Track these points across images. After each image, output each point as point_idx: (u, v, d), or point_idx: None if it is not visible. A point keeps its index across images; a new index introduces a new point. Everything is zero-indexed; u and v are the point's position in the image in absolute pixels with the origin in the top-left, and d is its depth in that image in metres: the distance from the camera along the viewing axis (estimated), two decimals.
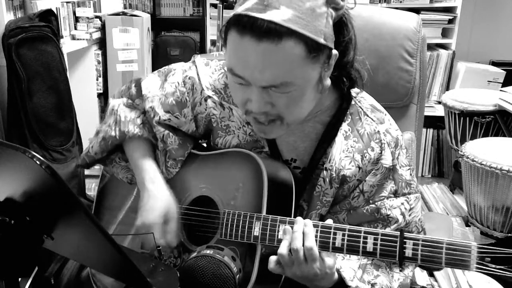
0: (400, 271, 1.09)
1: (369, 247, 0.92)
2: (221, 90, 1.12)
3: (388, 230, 0.94)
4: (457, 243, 0.88)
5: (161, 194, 1.09)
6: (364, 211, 1.07)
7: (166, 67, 1.20)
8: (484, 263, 0.85)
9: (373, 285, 1.03)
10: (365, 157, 1.06)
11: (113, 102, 1.19)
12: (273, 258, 0.96)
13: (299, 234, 0.95)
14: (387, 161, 1.07)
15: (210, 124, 1.15)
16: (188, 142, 1.16)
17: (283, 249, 0.95)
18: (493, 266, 0.84)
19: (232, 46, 0.92)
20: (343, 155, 1.07)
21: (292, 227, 0.97)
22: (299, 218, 0.98)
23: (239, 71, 0.93)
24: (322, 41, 0.91)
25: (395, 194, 1.08)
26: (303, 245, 0.94)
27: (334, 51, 0.95)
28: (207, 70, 1.14)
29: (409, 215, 1.08)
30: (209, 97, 1.12)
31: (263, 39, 0.87)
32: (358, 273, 1.02)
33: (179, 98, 1.13)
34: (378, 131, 1.08)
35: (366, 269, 1.04)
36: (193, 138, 1.18)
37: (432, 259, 0.89)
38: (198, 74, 1.13)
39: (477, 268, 0.85)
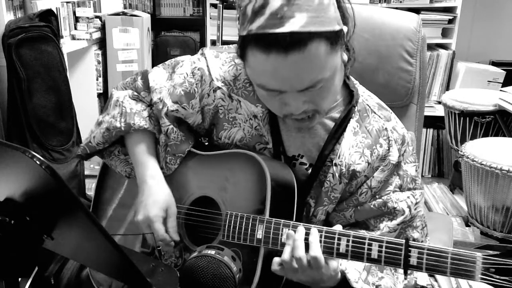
0: None
1: (374, 254, 0.92)
2: (231, 82, 1.12)
3: (393, 238, 0.93)
4: (462, 253, 0.87)
5: (162, 189, 1.10)
6: (372, 206, 1.08)
7: (173, 59, 1.20)
8: (489, 273, 0.84)
9: (377, 287, 1.03)
10: (374, 152, 1.08)
11: (118, 94, 1.18)
12: (276, 260, 0.96)
13: (301, 242, 0.94)
14: (394, 157, 1.08)
15: (216, 117, 1.14)
16: (190, 139, 1.15)
17: (286, 255, 0.95)
18: (498, 277, 0.84)
19: (257, 64, 0.93)
20: (353, 150, 1.08)
21: (295, 232, 0.96)
22: (300, 227, 0.97)
23: (272, 86, 0.95)
24: (337, 27, 0.92)
25: (400, 188, 1.09)
26: (306, 252, 0.93)
27: (345, 28, 0.97)
28: (217, 61, 1.14)
29: (415, 209, 1.10)
30: (219, 88, 1.12)
31: (289, 51, 0.88)
32: (363, 274, 1.02)
33: (188, 89, 1.13)
34: (386, 128, 1.09)
35: (371, 270, 1.04)
36: (196, 135, 1.18)
37: (436, 268, 0.88)
38: (208, 66, 1.13)
39: (482, 279, 0.85)
